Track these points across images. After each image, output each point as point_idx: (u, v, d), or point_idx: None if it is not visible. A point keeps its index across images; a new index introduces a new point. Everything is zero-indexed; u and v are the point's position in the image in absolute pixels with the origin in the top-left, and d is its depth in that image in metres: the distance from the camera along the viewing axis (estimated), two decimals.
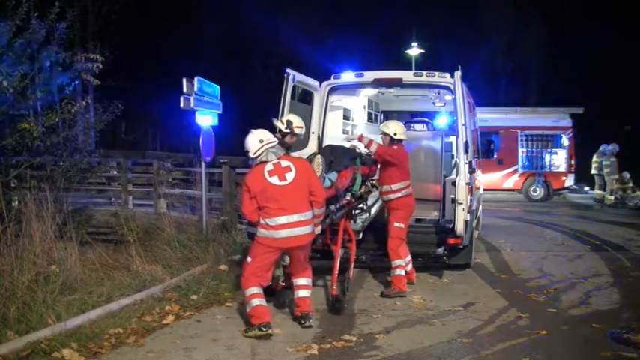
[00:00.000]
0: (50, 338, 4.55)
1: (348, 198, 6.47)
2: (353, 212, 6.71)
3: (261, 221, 5.10)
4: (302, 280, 5.45)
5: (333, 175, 6.14)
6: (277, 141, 5.36)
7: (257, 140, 5.16)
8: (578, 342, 4.99)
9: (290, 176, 5.10)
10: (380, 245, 7.27)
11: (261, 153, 5.14)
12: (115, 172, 13.42)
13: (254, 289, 5.15)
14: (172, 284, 6.28)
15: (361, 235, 6.81)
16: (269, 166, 5.11)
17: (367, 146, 6.53)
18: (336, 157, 6.38)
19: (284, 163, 5.15)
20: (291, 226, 5.03)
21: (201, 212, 9.30)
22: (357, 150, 6.98)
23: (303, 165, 5.34)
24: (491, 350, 4.73)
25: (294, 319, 5.46)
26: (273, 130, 5.80)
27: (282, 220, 5.02)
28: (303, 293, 5.44)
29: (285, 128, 5.89)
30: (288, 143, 5.92)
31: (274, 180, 5.06)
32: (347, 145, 7.19)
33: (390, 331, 5.17)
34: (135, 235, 7.16)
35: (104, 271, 6.31)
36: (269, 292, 5.99)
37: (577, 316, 5.69)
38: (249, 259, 5.24)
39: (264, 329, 5.00)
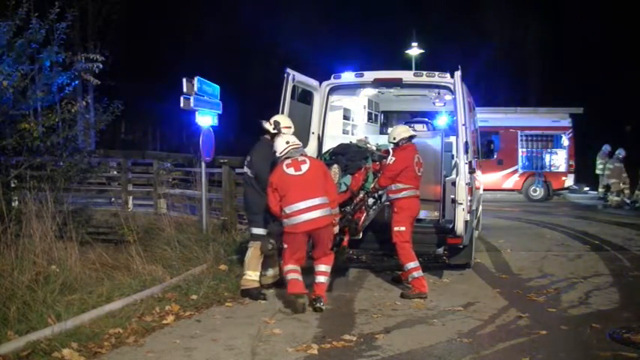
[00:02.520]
0: (50, 338, 4.54)
1: (361, 195, 6.60)
2: (367, 205, 6.77)
3: (283, 212, 5.68)
4: (322, 267, 5.88)
5: (347, 179, 6.41)
6: (302, 144, 6.08)
7: (284, 142, 5.90)
8: (578, 342, 4.98)
9: (305, 167, 5.77)
10: (380, 245, 7.29)
11: (287, 152, 5.84)
12: (115, 172, 13.41)
13: (290, 267, 5.80)
14: (172, 284, 6.27)
15: (361, 234, 6.82)
16: (287, 161, 5.82)
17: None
18: (349, 159, 6.61)
19: (301, 158, 5.87)
20: (309, 210, 5.62)
21: (201, 212, 9.30)
22: (368, 146, 7.02)
23: (318, 162, 6.10)
24: (491, 350, 4.73)
25: (308, 304, 5.80)
26: (263, 132, 6.26)
27: (301, 205, 5.62)
28: (320, 279, 5.86)
29: (273, 129, 6.16)
30: None
31: (291, 171, 5.75)
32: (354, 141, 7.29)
33: (390, 331, 5.17)
34: (135, 235, 7.16)
35: (104, 271, 6.31)
36: (253, 296, 6.13)
37: (577, 316, 5.68)
38: (285, 246, 5.84)
39: (294, 297, 5.65)
